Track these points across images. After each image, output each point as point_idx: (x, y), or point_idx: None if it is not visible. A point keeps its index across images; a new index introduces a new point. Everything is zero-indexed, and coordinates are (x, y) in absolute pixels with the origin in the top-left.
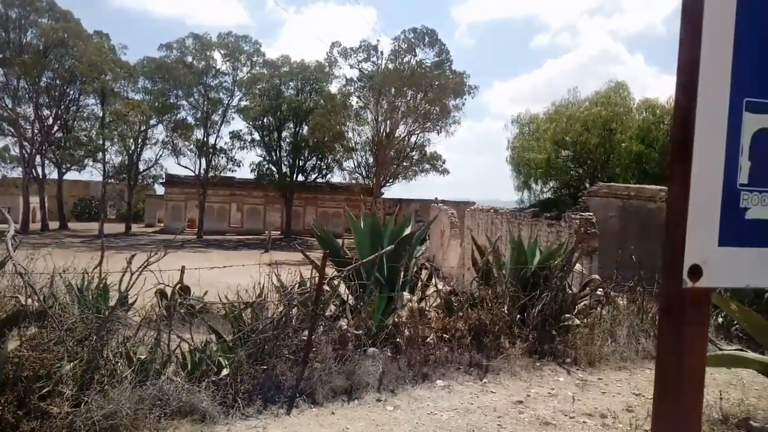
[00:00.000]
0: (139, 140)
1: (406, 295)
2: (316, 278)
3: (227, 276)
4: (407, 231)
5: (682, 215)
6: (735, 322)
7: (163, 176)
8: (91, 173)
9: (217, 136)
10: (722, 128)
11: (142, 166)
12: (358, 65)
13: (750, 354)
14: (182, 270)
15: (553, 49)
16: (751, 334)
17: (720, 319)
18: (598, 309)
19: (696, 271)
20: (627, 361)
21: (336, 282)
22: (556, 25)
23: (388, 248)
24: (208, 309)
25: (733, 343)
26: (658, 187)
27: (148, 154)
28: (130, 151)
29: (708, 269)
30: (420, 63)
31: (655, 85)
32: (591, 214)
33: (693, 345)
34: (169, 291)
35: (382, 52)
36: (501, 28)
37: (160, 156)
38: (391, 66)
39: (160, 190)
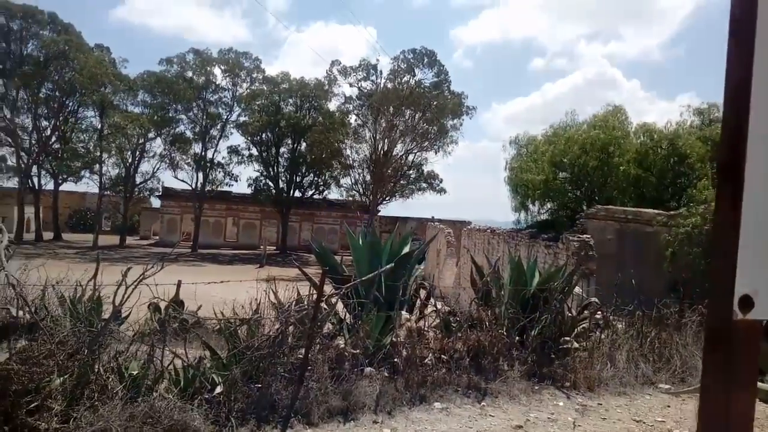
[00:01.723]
0: (137, 153)
1: (405, 314)
2: (314, 295)
3: (222, 291)
4: (406, 249)
5: (732, 242)
6: None
7: (160, 189)
8: (88, 185)
9: (215, 151)
10: None
11: (138, 179)
12: (358, 84)
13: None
14: (179, 284)
15: (550, 72)
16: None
17: None
18: (597, 333)
19: (747, 302)
20: (626, 386)
21: (334, 300)
22: (553, 48)
23: (387, 266)
24: (202, 324)
25: None
26: (656, 210)
27: (145, 166)
28: (128, 164)
29: (760, 300)
30: (419, 83)
31: (651, 110)
32: (589, 236)
33: (743, 380)
34: (162, 305)
35: (381, 72)
36: (498, 50)
37: (158, 169)
38: (390, 85)
39: (156, 202)
